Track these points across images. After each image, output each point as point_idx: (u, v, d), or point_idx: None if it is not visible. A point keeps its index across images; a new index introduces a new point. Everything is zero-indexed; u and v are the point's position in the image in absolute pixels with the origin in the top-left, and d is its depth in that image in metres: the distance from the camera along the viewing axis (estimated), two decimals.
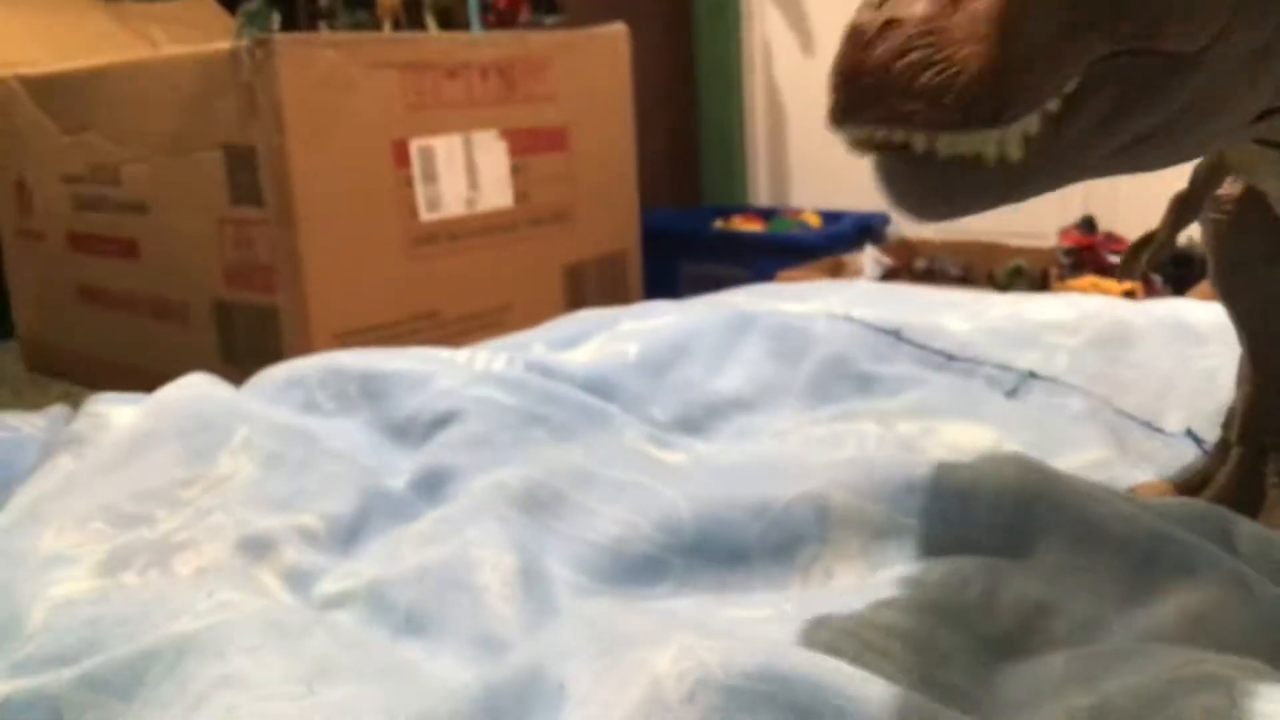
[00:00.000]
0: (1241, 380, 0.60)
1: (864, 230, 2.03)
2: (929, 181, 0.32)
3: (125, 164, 1.60)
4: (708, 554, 0.57)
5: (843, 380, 0.80)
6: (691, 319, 0.85)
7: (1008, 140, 0.31)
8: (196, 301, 1.56)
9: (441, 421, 0.71)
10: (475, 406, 0.71)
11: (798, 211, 2.20)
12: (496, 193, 1.66)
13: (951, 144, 0.31)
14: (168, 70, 1.50)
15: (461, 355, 0.80)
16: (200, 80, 1.46)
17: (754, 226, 2.14)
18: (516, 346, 0.82)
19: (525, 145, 1.70)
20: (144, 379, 0.87)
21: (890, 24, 0.30)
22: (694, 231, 2.16)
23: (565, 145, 1.77)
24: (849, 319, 0.85)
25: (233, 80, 1.41)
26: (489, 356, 0.79)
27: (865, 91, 0.30)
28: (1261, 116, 0.39)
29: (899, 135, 0.31)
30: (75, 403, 0.79)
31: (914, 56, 0.30)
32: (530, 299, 1.67)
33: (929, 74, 0.30)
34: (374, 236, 1.50)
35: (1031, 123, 0.31)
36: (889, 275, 1.91)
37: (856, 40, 0.30)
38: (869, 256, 1.93)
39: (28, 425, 0.77)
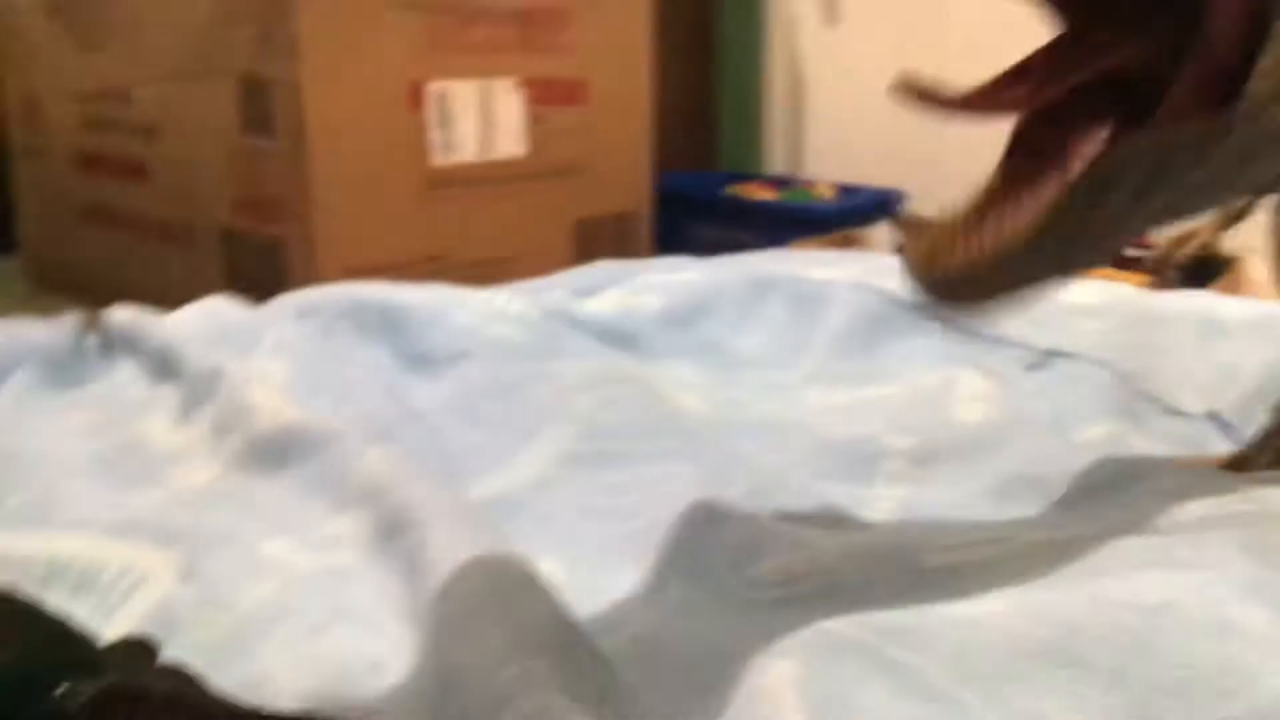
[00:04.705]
0: None
1: (879, 206, 2.01)
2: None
3: (137, 86, 1.58)
4: None
5: (863, 350, 0.79)
6: (714, 277, 0.84)
7: None
8: (202, 227, 1.54)
9: (458, 358, 0.70)
10: (492, 346, 0.70)
11: (811, 183, 2.18)
12: (511, 142, 1.64)
13: None
14: None
15: (481, 294, 0.78)
16: (218, 5, 1.44)
17: (766, 194, 2.12)
18: (534, 291, 0.81)
19: (543, 96, 1.68)
20: (146, 300, 0.86)
21: None
22: (706, 195, 2.14)
23: (584, 99, 1.74)
24: (872, 288, 0.84)
25: (251, 7, 1.39)
26: (508, 298, 0.77)
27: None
28: None
29: None
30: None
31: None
32: (539, 251, 1.65)
33: None
34: (385, 176, 1.48)
35: None
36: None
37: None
38: (886, 234, 1.91)
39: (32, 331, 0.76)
